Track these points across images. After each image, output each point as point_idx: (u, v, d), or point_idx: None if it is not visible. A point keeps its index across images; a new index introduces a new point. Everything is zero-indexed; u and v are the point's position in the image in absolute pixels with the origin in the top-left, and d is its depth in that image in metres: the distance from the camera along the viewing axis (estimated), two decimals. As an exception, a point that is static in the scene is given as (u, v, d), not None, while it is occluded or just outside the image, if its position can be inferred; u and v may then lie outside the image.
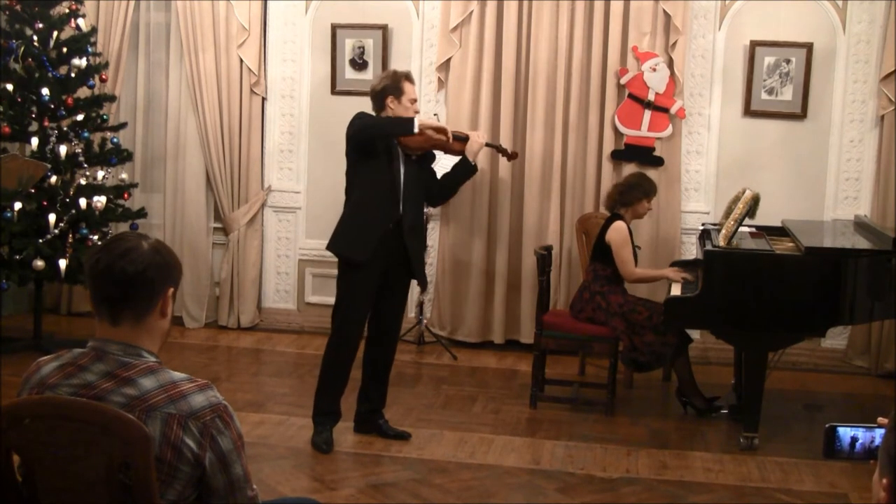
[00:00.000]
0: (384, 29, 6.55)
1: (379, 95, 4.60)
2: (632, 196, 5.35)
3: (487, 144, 4.82)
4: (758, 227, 5.38)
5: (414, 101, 4.62)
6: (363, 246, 4.50)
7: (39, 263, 5.66)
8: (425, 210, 6.31)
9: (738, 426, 4.94)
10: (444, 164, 6.18)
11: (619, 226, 5.28)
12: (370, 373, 4.73)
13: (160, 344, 2.16)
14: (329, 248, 4.68)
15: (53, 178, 5.83)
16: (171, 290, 2.13)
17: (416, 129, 4.45)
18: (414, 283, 4.83)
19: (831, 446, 1.79)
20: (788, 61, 6.19)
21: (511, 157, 4.99)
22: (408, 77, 4.63)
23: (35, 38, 5.90)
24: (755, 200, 4.98)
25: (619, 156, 6.28)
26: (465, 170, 4.75)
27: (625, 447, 4.76)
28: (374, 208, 4.55)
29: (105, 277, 2.06)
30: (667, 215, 6.31)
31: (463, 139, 4.70)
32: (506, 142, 6.38)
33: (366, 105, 4.70)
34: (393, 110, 4.56)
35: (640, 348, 5.14)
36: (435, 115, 4.80)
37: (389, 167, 4.53)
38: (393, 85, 4.57)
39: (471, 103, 6.39)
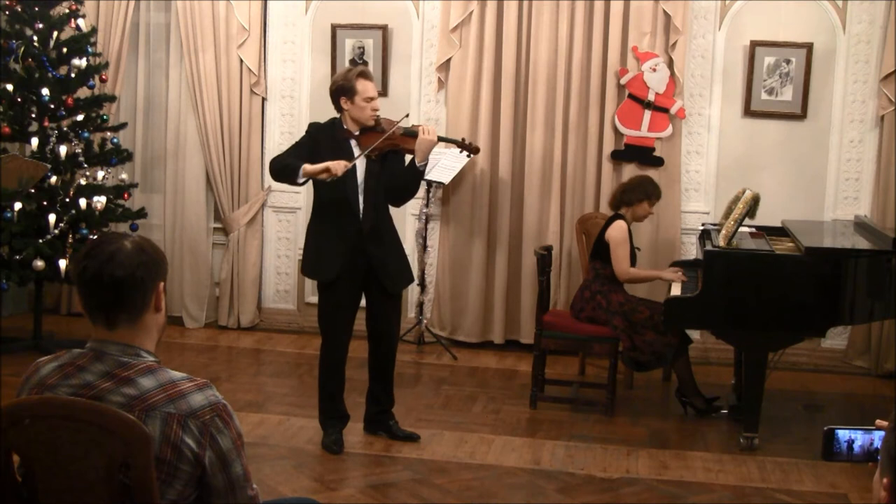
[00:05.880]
0: (384, 29, 6.54)
1: (333, 96, 4.44)
2: (633, 196, 5.36)
3: (440, 139, 4.50)
4: (758, 227, 5.37)
5: (370, 99, 4.36)
6: (328, 265, 4.47)
7: (39, 264, 5.66)
8: (424, 210, 6.37)
9: (738, 426, 4.94)
10: (444, 163, 6.19)
11: (619, 224, 5.29)
12: (374, 374, 4.73)
13: (157, 338, 2.17)
14: (301, 271, 4.81)
15: (53, 179, 5.83)
16: (161, 284, 2.13)
17: (300, 180, 4.28)
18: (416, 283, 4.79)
19: (830, 448, 1.80)
20: (788, 61, 6.18)
21: (472, 151, 4.71)
22: (363, 74, 4.39)
23: (35, 38, 5.90)
24: (755, 200, 4.98)
25: (619, 156, 6.28)
26: (410, 172, 4.45)
27: (625, 447, 4.76)
28: (332, 224, 4.45)
29: (95, 285, 2.05)
30: (667, 215, 6.30)
31: (414, 135, 4.39)
32: (506, 142, 6.39)
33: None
34: (348, 111, 4.41)
35: (641, 347, 5.14)
36: (406, 115, 4.58)
37: (342, 178, 4.28)
38: (346, 84, 4.36)
39: (471, 103, 6.39)
